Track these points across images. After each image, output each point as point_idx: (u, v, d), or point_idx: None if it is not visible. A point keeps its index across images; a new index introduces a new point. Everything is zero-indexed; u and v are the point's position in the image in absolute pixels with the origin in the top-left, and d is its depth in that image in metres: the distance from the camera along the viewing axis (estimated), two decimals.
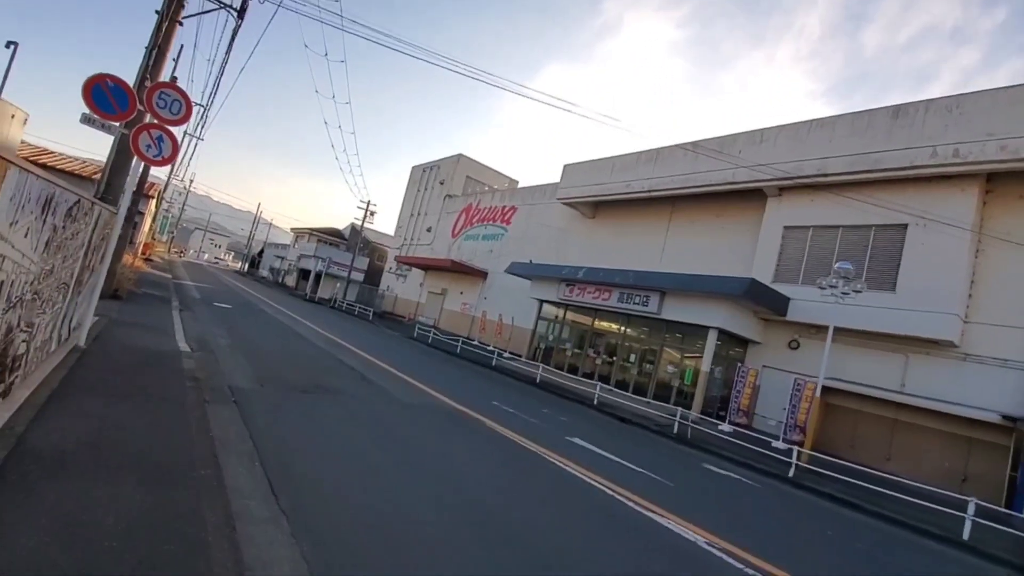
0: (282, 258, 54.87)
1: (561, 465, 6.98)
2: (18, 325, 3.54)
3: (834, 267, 12.47)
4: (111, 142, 7.54)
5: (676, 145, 19.98)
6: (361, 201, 39.41)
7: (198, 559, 2.70)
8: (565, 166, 25.50)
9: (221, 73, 18.96)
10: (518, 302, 25.60)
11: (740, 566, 4.78)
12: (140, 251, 29.48)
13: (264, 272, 60.18)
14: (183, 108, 6.57)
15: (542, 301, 22.10)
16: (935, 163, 13.10)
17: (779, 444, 12.78)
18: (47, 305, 4.34)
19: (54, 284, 4.39)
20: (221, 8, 8.58)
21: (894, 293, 13.74)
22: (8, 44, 11.41)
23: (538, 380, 17.05)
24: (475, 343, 23.79)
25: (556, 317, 21.79)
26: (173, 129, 6.64)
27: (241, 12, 8.56)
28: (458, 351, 21.01)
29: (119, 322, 8.81)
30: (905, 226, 13.84)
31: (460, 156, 39.89)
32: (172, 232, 67.87)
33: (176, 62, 15.01)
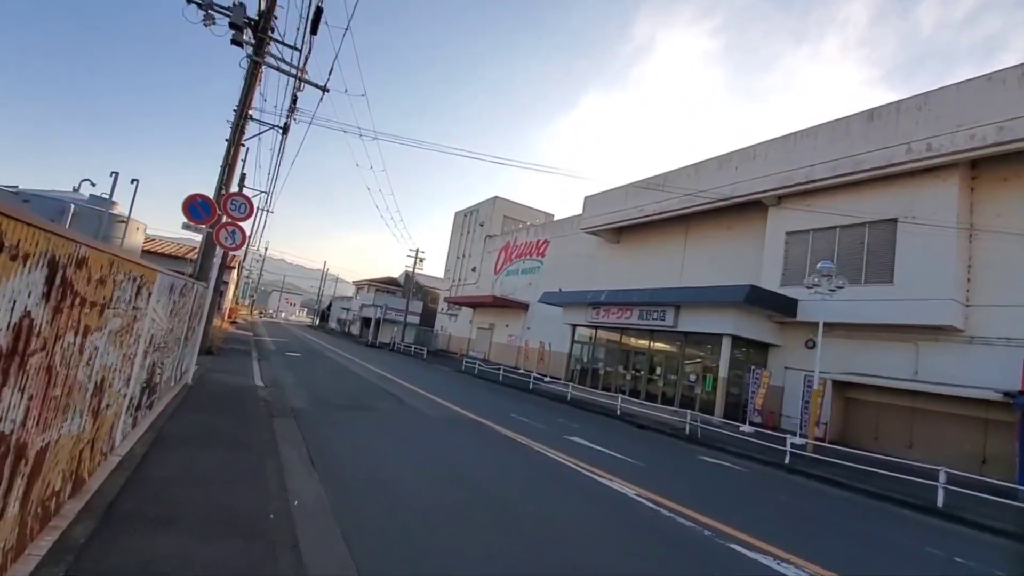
0: (347, 309, 59.61)
1: (546, 453, 8.64)
2: (158, 362, 5.90)
3: (817, 266, 13.41)
4: (202, 237, 10.35)
5: (678, 169, 21.43)
6: (410, 250, 42.97)
7: (259, 483, 4.75)
8: (585, 198, 27.39)
9: (278, 165, 22.74)
10: (555, 329, 27.25)
11: (653, 507, 6.27)
12: (227, 315, 34.01)
13: (333, 324, 65.33)
14: (247, 208, 9.20)
15: (574, 326, 23.68)
16: (911, 159, 13.87)
17: (796, 440, 13.51)
18: (170, 352, 6.76)
19: (173, 339, 6.82)
20: (271, 128, 11.51)
21: (892, 285, 14.32)
22: (132, 181, 15.25)
23: (568, 398, 18.54)
24: (520, 371, 25.59)
25: (588, 339, 23.25)
26: (242, 223, 9.26)
27: (285, 130, 11.41)
28: (500, 379, 22.87)
29: (213, 370, 11.51)
30: (895, 220, 14.50)
31: (496, 198, 42.80)
32: (253, 296, 75.40)
33: (244, 160, 18.54)
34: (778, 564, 4.94)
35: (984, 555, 6.70)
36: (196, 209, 8.41)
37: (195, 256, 14.48)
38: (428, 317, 49.76)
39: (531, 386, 20.95)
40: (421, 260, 43.11)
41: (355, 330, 54.08)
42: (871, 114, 15.04)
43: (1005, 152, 12.56)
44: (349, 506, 4.70)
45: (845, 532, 6.97)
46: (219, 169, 10.12)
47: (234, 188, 11.45)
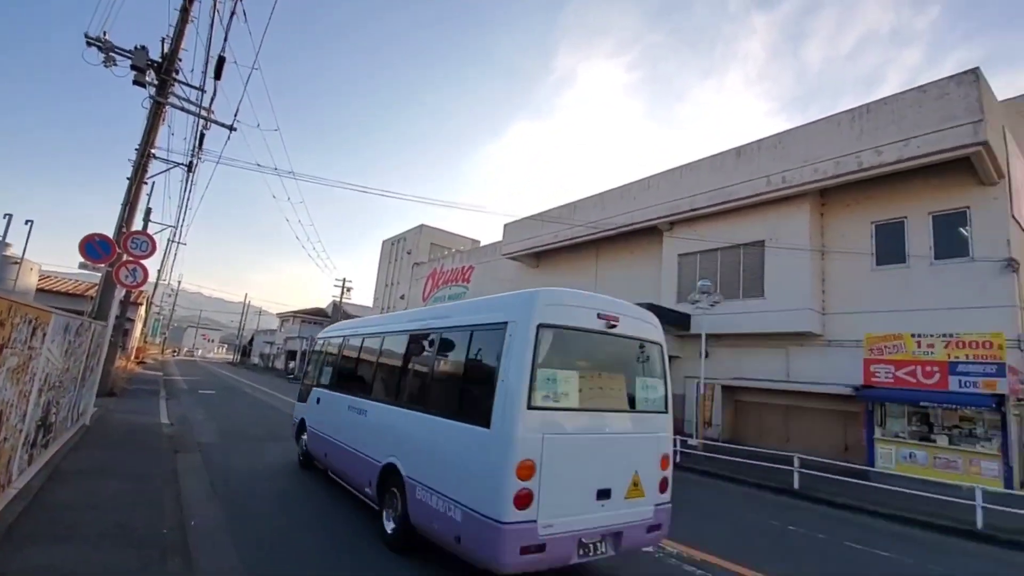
0: (271, 343, 57.17)
1: None
2: (54, 401, 6.04)
3: (697, 285, 15.18)
4: (101, 276, 10.24)
5: (586, 198, 23.23)
6: (336, 280, 42.33)
7: (156, 508, 5.08)
8: (505, 225, 28.68)
9: (187, 200, 21.98)
10: None
11: None
12: (133, 355, 31.83)
13: (255, 359, 62.20)
14: (150, 246, 9.34)
15: None
16: (770, 189, 16.14)
17: (692, 441, 14.96)
18: (66, 392, 6.83)
19: (69, 378, 6.90)
20: (176, 166, 11.65)
21: (764, 299, 16.38)
22: (26, 222, 14.76)
23: None
24: None
25: None
26: (143, 261, 9.36)
27: (190, 167, 11.57)
28: None
29: (114, 410, 11.18)
30: (763, 242, 16.68)
31: (423, 226, 43.40)
32: (164, 333, 70.29)
33: (150, 196, 18.10)
34: None
35: (816, 523, 8.05)
36: (94, 248, 8.48)
37: (95, 294, 14.05)
38: None
39: None
40: (348, 289, 42.62)
41: (279, 364, 51.91)
42: (739, 151, 17.35)
43: (843, 183, 14.99)
44: (247, 526, 5.11)
45: (703, 512, 8.14)
46: (119, 207, 10.14)
47: (138, 225, 11.37)
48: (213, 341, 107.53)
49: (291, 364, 47.25)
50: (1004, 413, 10.53)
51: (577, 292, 4.71)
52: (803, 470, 10.58)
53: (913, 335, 11.98)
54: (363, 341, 7.21)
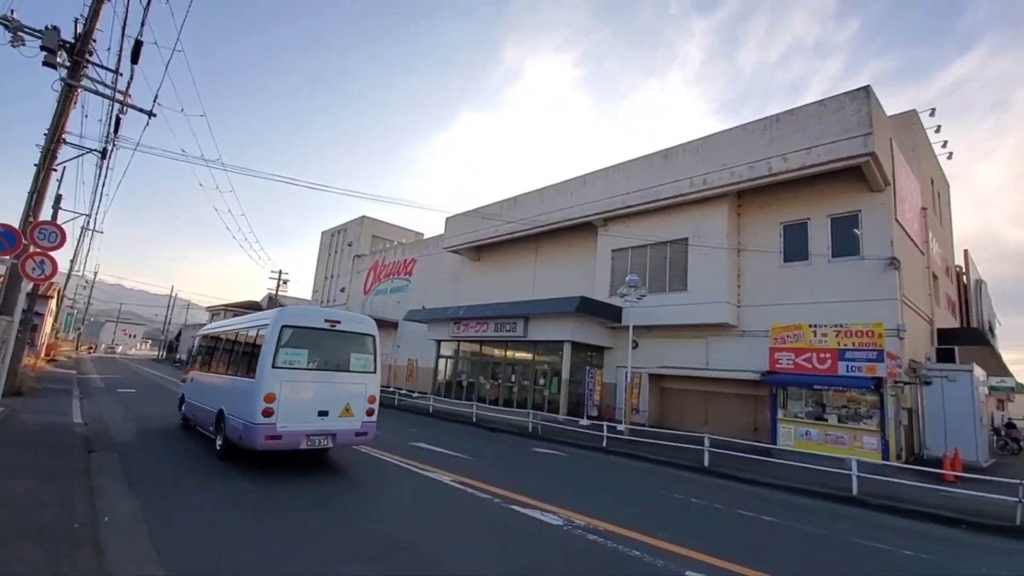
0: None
1: (382, 458, 9.49)
2: None
3: (625, 279, 16.04)
4: (5, 269, 9.60)
5: (526, 193, 23.76)
6: (272, 271, 40.80)
7: (68, 504, 5.03)
8: (447, 218, 28.75)
9: (103, 187, 20.70)
10: (423, 345, 27.95)
11: (460, 487, 7.49)
12: (43, 352, 29.44)
13: (182, 355, 58.79)
14: (59, 237, 8.87)
15: (439, 341, 24.71)
16: (693, 190, 17.24)
17: (620, 427, 15.82)
18: None
19: None
20: (89, 152, 10.97)
21: (687, 292, 17.53)
22: None
23: (431, 410, 19.47)
24: (391, 389, 25.79)
25: (453, 353, 24.41)
26: (52, 253, 8.88)
27: (104, 154, 10.91)
28: None
29: (22, 411, 10.53)
30: (686, 239, 17.80)
31: (364, 217, 42.55)
32: (79, 328, 65.01)
33: (60, 181, 16.86)
34: (543, 515, 6.38)
35: (717, 496, 8.89)
36: None
37: None
38: None
39: (396, 402, 21.50)
40: (285, 282, 41.19)
41: None
42: (666, 153, 18.38)
43: (756, 186, 16.26)
44: (166, 521, 5.14)
45: (617, 489, 8.82)
46: (26, 195, 9.51)
47: (47, 214, 10.64)
48: (135, 336, 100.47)
49: None
50: (882, 394, 11.97)
51: (313, 309, 9.75)
52: (714, 449, 11.56)
53: (811, 325, 13.29)
54: (215, 337, 10.71)
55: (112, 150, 11.20)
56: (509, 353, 21.68)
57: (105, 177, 11.98)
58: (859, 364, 12.13)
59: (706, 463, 11.41)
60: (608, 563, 4.87)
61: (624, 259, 19.85)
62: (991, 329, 28.10)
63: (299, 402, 7.42)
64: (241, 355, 8.58)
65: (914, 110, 19.49)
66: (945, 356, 15.62)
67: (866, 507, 8.78)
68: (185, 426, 11.02)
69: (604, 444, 13.37)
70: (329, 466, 8.33)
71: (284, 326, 7.62)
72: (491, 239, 25.60)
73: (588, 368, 18.73)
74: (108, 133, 10.87)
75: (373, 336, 8.66)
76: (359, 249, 41.52)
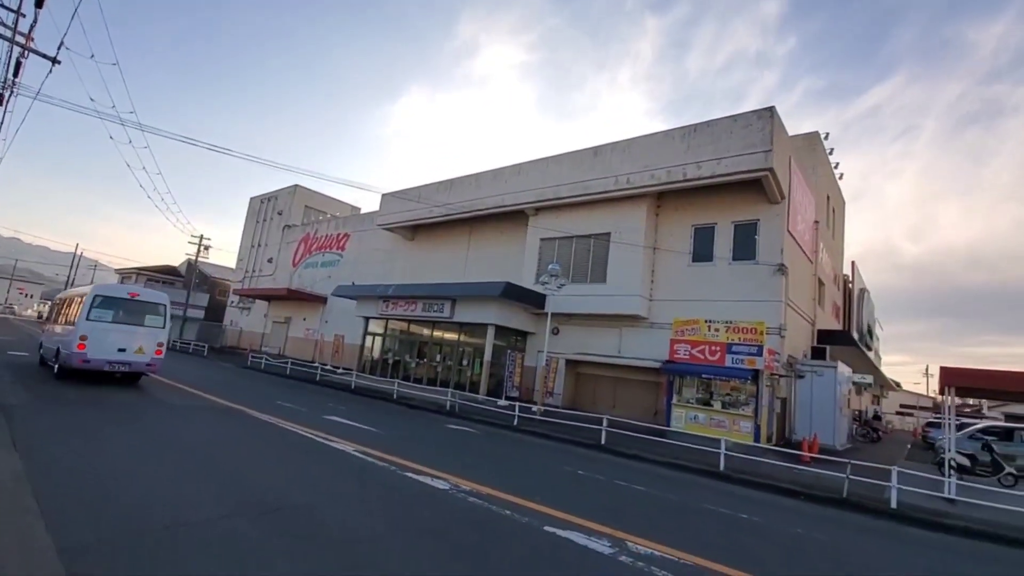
0: None
1: (292, 430, 9.67)
2: None
3: (547, 268, 16.81)
4: None
5: (463, 176, 23.98)
6: (192, 236, 38.52)
7: None
8: (383, 195, 28.42)
9: None
10: (352, 322, 27.69)
11: (361, 455, 7.90)
12: None
13: None
14: None
15: (367, 318, 24.62)
16: (617, 188, 18.25)
17: (536, 408, 16.67)
18: None
19: None
20: None
21: (606, 284, 18.61)
22: None
23: (352, 386, 19.51)
24: (315, 365, 25.40)
25: (381, 331, 24.42)
26: None
27: (0, 99, 10.01)
28: (287, 373, 22.66)
29: None
30: (608, 234, 18.84)
31: (297, 187, 40.94)
32: None
33: None
34: (432, 480, 6.92)
35: (603, 469, 9.80)
36: None
37: None
38: (216, 311, 45.13)
39: (318, 378, 21.30)
40: (206, 248, 39.07)
41: None
42: (596, 151, 19.24)
43: (672, 189, 17.47)
44: (50, 480, 5.19)
45: (513, 462, 9.56)
46: None
47: None
48: (32, 297, 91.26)
49: None
50: (758, 385, 13.49)
51: (120, 286, 17.38)
52: (611, 429, 12.61)
53: (706, 321, 14.66)
54: (61, 301, 15.31)
55: (9, 96, 10.31)
56: (436, 333, 22.06)
57: (1, 122, 11.00)
58: (742, 357, 13.59)
59: (602, 441, 12.43)
60: (478, 519, 5.49)
61: (551, 248, 20.67)
62: (870, 332, 31.71)
63: (103, 342, 11.91)
64: (72, 313, 12.82)
65: (816, 132, 21.51)
66: (818, 354, 17.69)
67: (728, 480, 10.06)
68: (41, 363, 14.98)
69: (515, 423, 14.13)
70: (206, 417, 8.43)
71: (96, 295, 12.38)
72: (426, 220, 25.69)
73: (509, 351, 19.49)
74: (6, 77, 10.02)
75: (164, 305, 13.42)
76: (290, 219, 40.03)
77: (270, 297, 36.12)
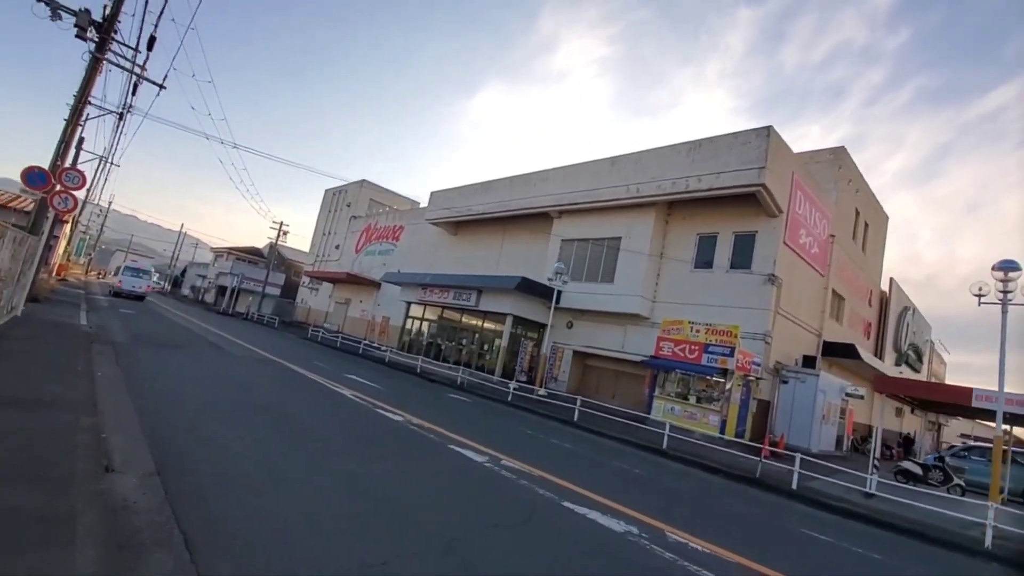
0: (203, 276, 57.54)
1: (311, 377, 12.36)
2: (1, 290, 8.60)
3: (553, 267, 18.65)
4: (36, 200, 12.37)
5: (498, 179, 26.20)
6: (273, 222, 43.61)
7: (73, 368, 7.86)
8: (432, 193, 31.27)
9: (118, 141, 23.41)
10: (398, 306, 30.88)
11: (367, 404, 10.34)
12: (55, 271, 32.58)
13: (186, 291, 62.30)
14: (80, 180, 11.62)
15: (408, 303, 27.56)
16: (629, 196, 19.69)
17: (542, 391, 18.64)
18: (7, 286, 9.33)
19: (8, 277, 9.38)
20: (109, 113, 13.58)
21: (614, 284, 20.13)
22: None
23: (387, 360, 22.38)
24: (365, 341, 28.76)
25: (419, 315, 27.27)
26: (75, 192, 11.64)
27: (121, 116, 13.53)
28: (337, 344, 26.05)
29: (40, 311, 13.46)
30: (620, 238, 20.33)
31: (364, 181, 45.04)
32: (90, 254, 68.48)
33: (83, 126, 19.54)
34: (394, 415, 9.21)
35: (564, 438, 11.65)
36: (34, 178, 10.74)
37: (21, 205, 15.89)
38: (291, 289, 50.51)
39: (361, 351, 24.43)
40: (285, 233, 44.00)
41: (209, 298, 52.77)
42: (613, 161, 20.75)
43: (677, 199, 18.71)
44: (138, 385, 8.00)
45: (479, 420, 11.65)
46: (55, 144, 12.22)
47: (72, 158, 13.29)
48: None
49: (220, 300, 48.39)
50: (729, 383, 14.66)
51: (137, 262, 40.15)
52: (595, 412, 14.29)
53: (690, 322, 15.93)
54: (116, 268, 29.72)
55: (127, 114, 13.88)
56: (465, 319, 24.50)
57: (122, 132, 14.63)
58: (716, 357, 14.80)
59: (575, 419, 14.21)
60: (405, 435, 7.68)
61: (571, 248, 22.41)
62: (917, 352, 30.55)
63: (127, 282, 32.03)
64: (123, 271, 33.05)
65: (843, 147, 21.63)
66: (809, 363, 18.24)
67: (663, 456, 11.57)
68: (112, 294, 31.57)
69: (509, 399, 16.20)
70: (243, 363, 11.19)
71: (124, 266, 34.47)
72: (466, 217, 28.19)
73: (523, 339, 21.52)
74: (126, 101, 13.51)
75: (148, 271, 33.74)
76: (356, 210, 44.16)
77: (334, 280, 40.31)
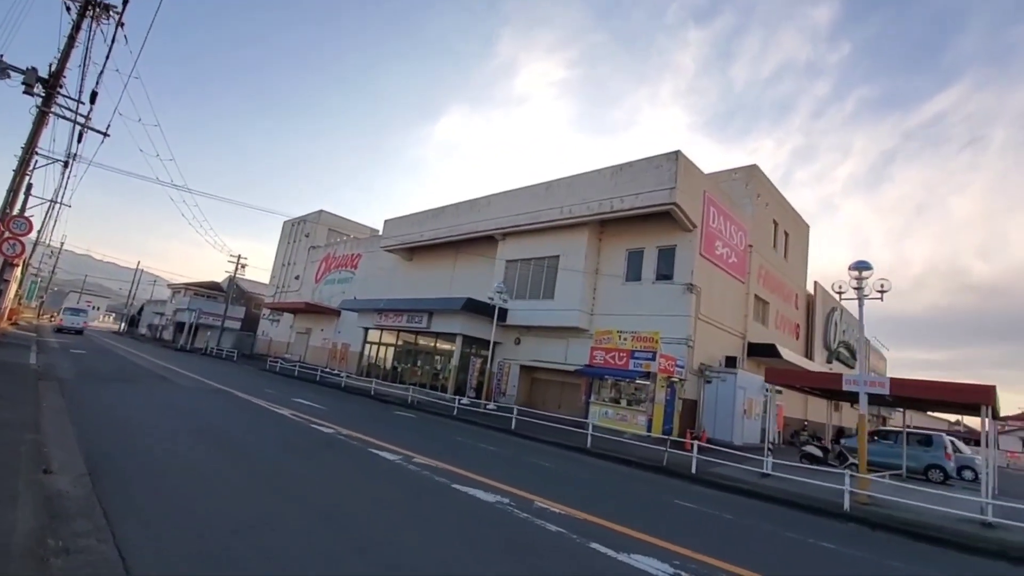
0: (160, 314, 56.68)
1: (260, 404, 13.11)
2: None
3: (494, 286, 19.90)
4: None
5: (448, 205, 27.53)
6: (231, 255, 43.73)
7: (20, 403, 8.56)
8: (386, 221, 32.35)
9: (65, 188, 23.75)
10: (357, 332, 31.52)
11: (303, 421, 11.18)
12: (5, 316, 32.05)
13: (143, 330, 61.06)
14: (27, 226, 12.30)
15: (366, 328, 28.30)
16: (563, 217, 21.21)
17: (492, 405, 19.64)
18: None
19: None
20: (55, 162, 14.33)
21: (554, 300, 21.47)
22: None
23: (343, 385, 23.04)
24: (326, 369, 29.22)
25: (377, 339, 28.02)
26: (23, 238, 12.30)
27: (66, 164, 14.29)
28: (295, 374, 26.50)
29: None
30: (558, 257, 21.76)
31: (321, 212, 45.77)
32: (42, 297, 66.48)
33: (31, 173, 20.02)
34: (330, 430, 10.11)
35: (498, 444, 12.70)
36: None
37: None
38: (251, 322, 50.27)
39: (318, 378, 24.99)
40: (244, 266, 44.14)
41: (167, 335, 51.97)
42: (548, 185, 22.33)
43: (606, 218, 20.30)
44: (81, 412, 8.73)
45: (420, 432, 12.60)
46: (4, 193, 12.88)
47: (20, 207, 13.90)
48: (99, 309, 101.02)
49: (178, 336, 47.83)
50: (652, 385, 16.02)
51: (74, 306, 45.98)
52: (536, 421, 15.38)
53: (618, 331, 17.31)
54: (59, 310, 37.27)
55: (72, 162, 14.59)
56: (421, 342, 25.41)
57: (68, 180, 15.30)
58: (641, 362, 16.17)
59: (512, 427, 15.27)
60: (331, 442, 8.62)
61: (515, 269, 23.74)
62: (848, 348, 32.83)
63: (68, 319, 39.73)
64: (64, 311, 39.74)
65: (756, 165, 23.82)
66: (731, 363, 19.86)
67: (586, 453, 12.73)
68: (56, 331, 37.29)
69: (455, 413, 17.16)
70: (171, 386, 11.93)
71: (66, 308, 42.39)
72: (419, 243, 29.32)
73: (472, 357, 22.57)
74: (71, 150, 14.27)
75: (86, 310, 46.98)
76: (315, 241, 44.73)
77: (294, 310, 40.60)
